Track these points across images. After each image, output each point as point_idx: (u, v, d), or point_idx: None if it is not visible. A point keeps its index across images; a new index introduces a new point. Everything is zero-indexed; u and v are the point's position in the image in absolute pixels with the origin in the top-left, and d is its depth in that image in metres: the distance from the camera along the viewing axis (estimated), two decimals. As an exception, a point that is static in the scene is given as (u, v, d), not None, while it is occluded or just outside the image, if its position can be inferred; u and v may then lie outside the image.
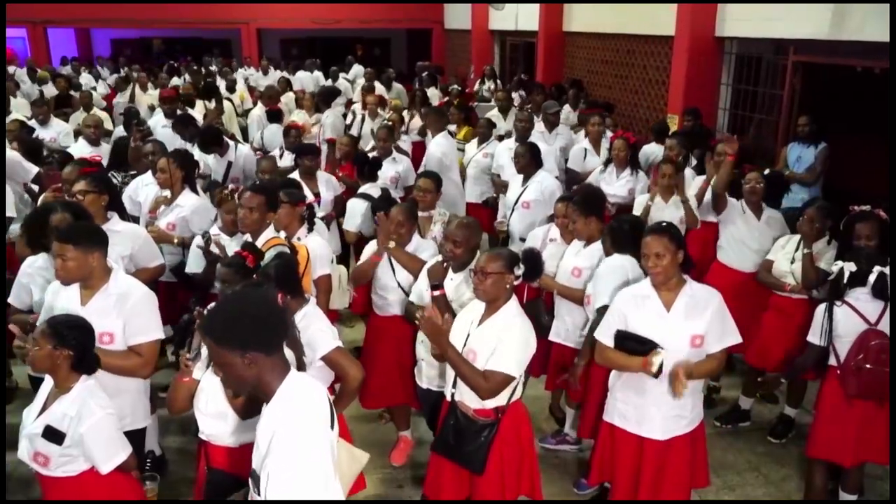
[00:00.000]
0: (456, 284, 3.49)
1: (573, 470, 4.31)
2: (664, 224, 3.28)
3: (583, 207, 4.09)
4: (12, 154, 5.46)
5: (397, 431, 4.41)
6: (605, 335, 3.28)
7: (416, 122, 9.04)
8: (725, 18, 7.90)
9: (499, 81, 13.08)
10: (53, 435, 2.58)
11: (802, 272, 4.25)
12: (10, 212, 4.92)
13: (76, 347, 2.64)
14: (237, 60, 16.49)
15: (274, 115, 8.38)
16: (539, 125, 7.37)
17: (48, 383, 2.78)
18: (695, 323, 3.13)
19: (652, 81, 9.44)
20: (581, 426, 4.09)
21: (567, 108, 9.11)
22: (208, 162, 6.33)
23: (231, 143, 6.56)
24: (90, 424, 2.60)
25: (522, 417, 3.17)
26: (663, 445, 3.23)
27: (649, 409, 3.21)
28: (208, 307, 2.63)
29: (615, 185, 6.00)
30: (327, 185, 5.77)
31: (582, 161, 6.69)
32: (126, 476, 2.76)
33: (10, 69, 14.21)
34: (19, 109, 8.93)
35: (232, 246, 4.22)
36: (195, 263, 4.38)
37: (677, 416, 3.22)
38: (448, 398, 3.18)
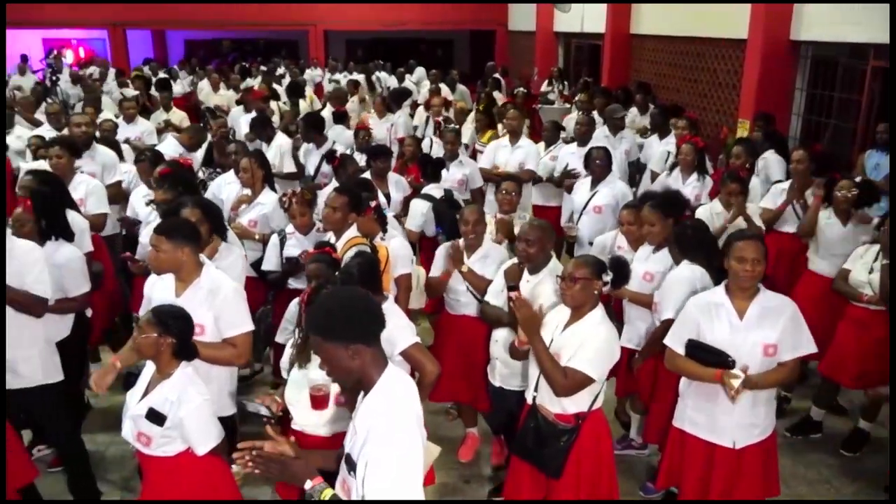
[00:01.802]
0: (532, 286, 3.55)
1: (639, 473, 4.33)
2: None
3: (664, 210, 4.06)
4: (110, 155, 5.76)
5: (465, 428, 4.51)
6: (676, 342, 3.30)
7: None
8: (801, 21, 7.74)
9: (566, 83, 13.06)
10: (156, 417, 2.76)
11: (881, 283, 4.17)
12: (104, 209, 5.20)
13: (178, 336, 2.82)
14: (304, 61, 16.89)
15: (339, 117, 8.58)
16: (603, 129, 7.37)
17: (150, 369, 2.97)
18: (768, 332, 3.12)
19: (722, 85, 9.30)
20: (647, 431, 4.11)
21: (634, 111, 9.07)
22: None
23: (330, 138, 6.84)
24: (189, 409, 2.77)
25: (603, 426, 3.20)
26: (735, 454, 3.23)
27: (721, 417, 3.21)
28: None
29: (682, 190, 5.95)
30: (397, 186, 5.90)
31: (664, 163, 6.64)
32: (218, 458, 2.93)
33: (92, 69, 14.91)
34: (105, 108, 9.36)
35: (305, 245, 4.41)
36: (271, 261, 4.57)
37: (750, 425, 3.22)
38: (529, 401, 3.23)
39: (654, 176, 6.61)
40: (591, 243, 5.13)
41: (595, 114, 8.15)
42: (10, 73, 14.93)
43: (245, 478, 3.27)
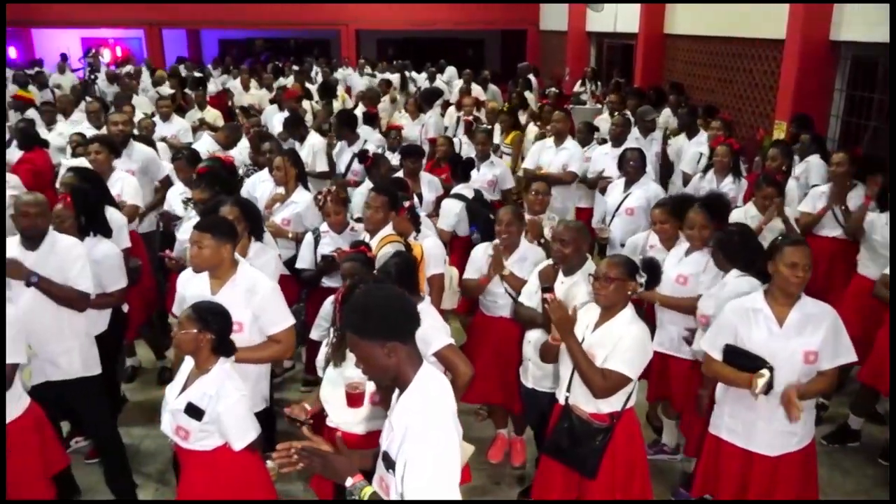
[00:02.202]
0: (566, 287, 3.54)
1: (671, 478, 4.28)
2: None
3: (712, 212, 4.00)
4: (150, 151, 5.86)
5: (495, 429, 4.50)
6: (713, 347, 3.26)
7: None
8: (841, 21, 7.58)
9: (599, 84, 12.96)
10: (194, 411, 2.80)
11: None
12: (138, 201, 5.29)
13: (217, 332, 2.85)
14: (336, 61, 16.99)
15: (370, 118, 8.60)
16: (634, 130, 7.31)
17: (188, 364, 3.01)
18: (808, 339, 3.06)
19: (759, 86, 9.15)
20: (689, 446, 4.06)
21: (667, 112, 8.97)
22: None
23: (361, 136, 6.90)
24: (227, 404, 2.80)
25: (635, 424, 3.20)
26: (773, 462, 3.18)
27: (758, 424, 3.16)
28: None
29: None
30: (429, 186, 5.92)
31: (696, 164, 6.55)
32: (254, 454, 2.96)
33: (128, 67, 15.16)
34: (140, 107, 9.51)
35: (339, 243, 4.43)
36: (305, 259, 4.60)
37: (788, 433, 3.16)
38: (561, 401, 3.23)
39: (687, 177, 6.54)
40: (622, 245, 5.10)
41: (628, 114, 8.08)
42: (50, 71, 15.27)
43: (279, 474, 3.33)
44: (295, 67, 14.36)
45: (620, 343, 3.01)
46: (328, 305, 3.49)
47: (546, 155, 6.66)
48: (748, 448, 3.21)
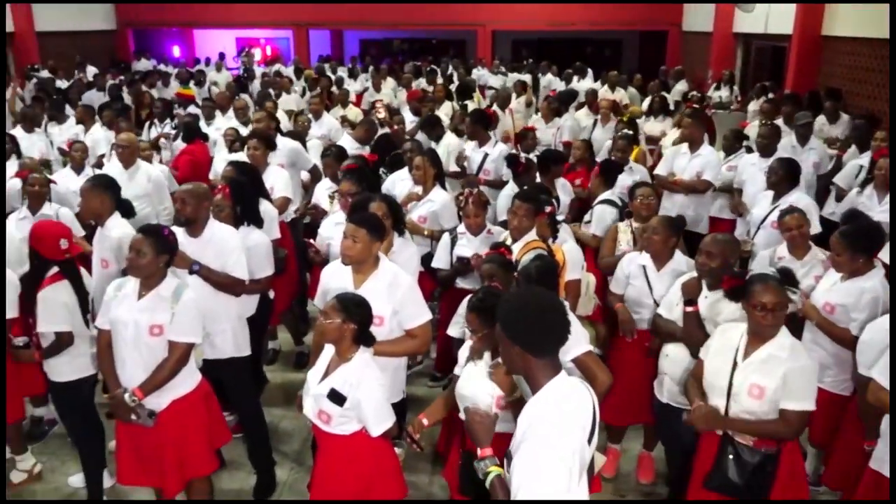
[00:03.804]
0: (710, 303, 3.39)
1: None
2: None
3: (853, 243, 3.64)
4: (295, 144, 6.19)
5: (608, 442, 4.36)
6: (882, 375, 3.01)
7: (653, 126, 8.86)
8: None
9: (736, 88, 12.31)
10: (336, 397, 2.94)
11: None
12: (288, 193, 5.59)
13: (360, 323, 2.98)
14: (472, 61, 17.16)
15: (484, 119, 8.59)
16: (790, 138, 6.88)
17: (328, 351, 3.15)
18: None
19: (929, 94, 8.38)
20: (828, 473, 3.79)
21: (821, 119, 8.39)
22: (466, 149, 6.83)
23: (493, 136, 6.92)
24: (367, 392, 2.92)
25: (797, 446, 3.05)
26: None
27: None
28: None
29: (876, 210, 5.32)
30: (563, 190, 5.87)
31: (853, 179, 6.09)
32: (388, 441, 3.08)
33: (276, 67, 16.06)
34: (287, 105, 10.04)
35: (475, 245, 4.49)
36: (441, 260, 4.69)
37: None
38: (719, 432, 3.07)
39: (841, 192, 6.09)
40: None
41: (780, 121, 7.61)
42: (210, 67, 16.48)
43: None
44: (435, 67, 14.63)
45: (793, 377, 2.85)
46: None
47: (680, 161, 6.41)
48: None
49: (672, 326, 3.55)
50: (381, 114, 8.11)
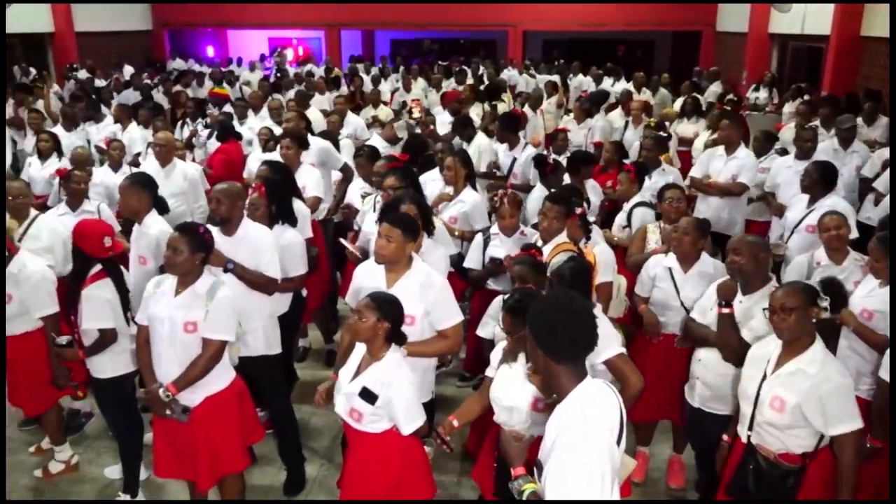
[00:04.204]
0: (745, 308, 3.34)
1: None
2: None
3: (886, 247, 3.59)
4: (325, 144, 6.24)
5: (637, 446, 4.33)
6: None
7: (686, 128, 8.77)
8: None
9: (776, 90, 12.13)
10: (368, 396, 2.97)
11: None
12: (319, 193, 5.64)
13: (393, 322, 3.01)
14: (502, 62, 17.13)
15: (513, 121, 8.54)
16: (831, 141, 6.76)
17: (359, 350, 3.18)
18: None
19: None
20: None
21: (859, 121, 8.22)
22: (498, 152, 6.80)
23: (522, 139, 6.92)
24: (398, 391, 2.94)
25: (831, 466, 2.92)
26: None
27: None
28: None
29: None
30: (593, 191, 5.85)
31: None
32: (418, 440, 3.10)
33: (308, 67, 16.21)
34: (320, 105, 10.11)
35: (508, 246, 4.48)
36: (473, 260, 4.70)
37: None
38: (743, 440, 3.04)
39: (880, 197, 5.97)
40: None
41: (817, 123, 7.48)
42: (244, 67, 16.72)
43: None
44: (466, 68, 14.63)
45: (828, 402, 2.77)
46: (497, 303, 3.55)
47: (716, 164, 6.33)
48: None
49: (705, 331, 3.51)
50: (417, 113, 8.13)
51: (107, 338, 3.71)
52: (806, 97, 9.75)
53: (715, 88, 12.02)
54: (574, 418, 2.08)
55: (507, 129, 6.88)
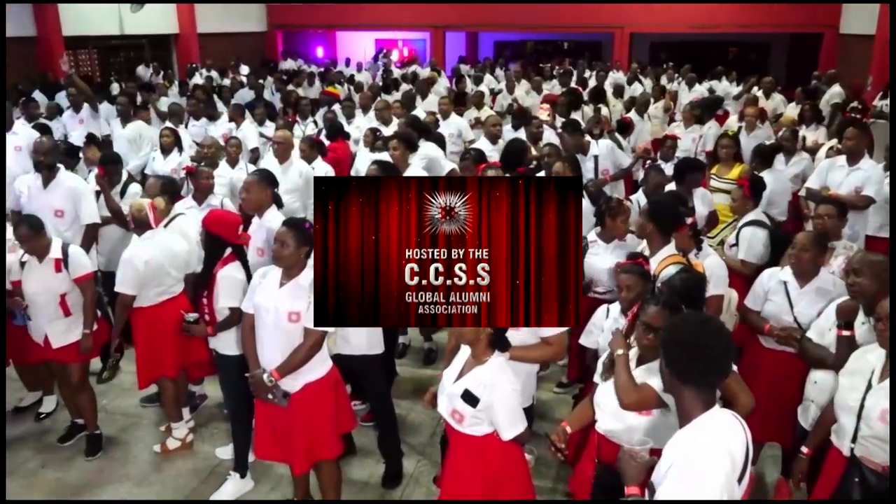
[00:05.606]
0: (868, 329, 3.17)
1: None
2: None
3: None
4: (433, 153, 6.32)
5: None
6: None
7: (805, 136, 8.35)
8: None
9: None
10: (470, 398, 2.99)
11: None
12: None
13: (496, 328, 3.02)
14: (607, 64, 16.83)
15: (622, 128, 8.40)
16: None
17: (464, 352, 3.23)
18: None
19: None
20: None
21: None
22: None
23: (591, 140, 6.85)
24: (500, 395, 2.96)
25: None
26: None
27: None
28: None
29: None
30: (702, 200, 5.66)
31: None
32: (518, 446, 3.11)
33: (413, 68, 16.48)
34: (430, 106, 10.26)
35: (606, 252, 4.41)
36: None
37: None
38: (845, 453, 2.93)
39: None
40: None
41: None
42: (351, 68, 17.19)
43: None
44: (569, 69, 14.49)
45: None
46: (601, 312, 3.51)
47: (836, 175, 5.97)
48: None
49: (822, 352, 3.36)
50: (545, 115, 8.13)
51: (234, 316, 3.95)
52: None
53: (836, 90, 11.36)
54: (692, 448, 2.04)
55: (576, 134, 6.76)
